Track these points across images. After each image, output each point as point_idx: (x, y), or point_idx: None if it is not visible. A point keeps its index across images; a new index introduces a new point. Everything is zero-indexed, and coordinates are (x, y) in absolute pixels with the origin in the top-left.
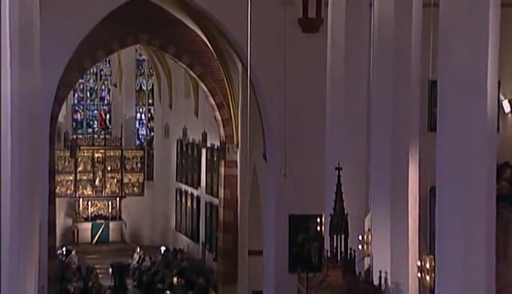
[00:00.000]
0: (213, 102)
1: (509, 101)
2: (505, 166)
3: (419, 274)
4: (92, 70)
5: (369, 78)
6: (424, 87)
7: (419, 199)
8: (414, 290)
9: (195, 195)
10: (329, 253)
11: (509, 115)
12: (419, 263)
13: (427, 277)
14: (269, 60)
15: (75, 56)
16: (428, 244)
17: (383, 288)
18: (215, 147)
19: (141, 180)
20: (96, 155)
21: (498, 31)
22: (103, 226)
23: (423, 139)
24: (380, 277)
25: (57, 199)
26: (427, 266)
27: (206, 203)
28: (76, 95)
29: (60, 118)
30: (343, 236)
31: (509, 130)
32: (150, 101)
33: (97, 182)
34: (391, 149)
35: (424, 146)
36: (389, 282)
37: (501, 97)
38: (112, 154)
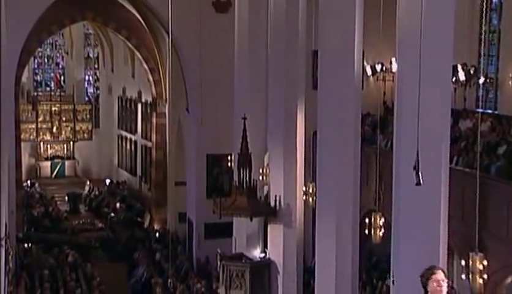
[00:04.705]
0: (146, 67)
1: (370, 67)
2: (367, 115)
3: (304, 197)
4: (48, 41)
5: (267, 48)
6: (308, 55)
7: (305, 140)
8: (301, 209)
9: (133, 139)
10: (237, 183)
11: (371, 77)
12: (304, 189)
13: (310, 199)
14: (189, 34)
15: (34, 30)
16: (311, 174)
17: (277, 208)
18: (148, 102)
19: (90, 128)
20: (53, 108)
21: (362, 13)
22: (60, 164)
23: (308, 95)
24: (275, 200)
25: (22, 143)
26: (310, 190)
27: (141, 145)
28: (36, 61)
29: (24, 79)
30: (247, 170)
31: (371, 88)
32: (96, 66)
33: (54, 130)
34: (283, 102)
35: (309, 101)
36: (282, 203)
37: (365, 63)
38: (66, 107)
